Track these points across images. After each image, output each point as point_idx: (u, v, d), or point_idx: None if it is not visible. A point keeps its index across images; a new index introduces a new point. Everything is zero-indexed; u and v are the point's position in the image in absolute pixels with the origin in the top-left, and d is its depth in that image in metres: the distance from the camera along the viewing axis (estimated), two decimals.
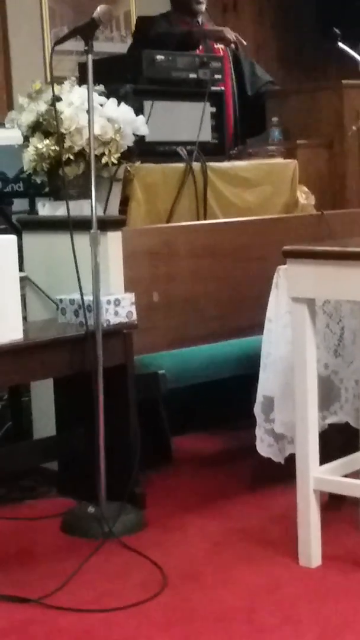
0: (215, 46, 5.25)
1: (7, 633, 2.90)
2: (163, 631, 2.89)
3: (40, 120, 4.06)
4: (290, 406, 3.37)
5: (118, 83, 4.29)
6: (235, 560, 3.35)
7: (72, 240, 3.60)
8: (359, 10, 6.96)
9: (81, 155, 4.00)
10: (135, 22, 5.98)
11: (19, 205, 4.64)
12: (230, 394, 4.23)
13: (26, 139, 4.12)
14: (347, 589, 3.10)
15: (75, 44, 3.85)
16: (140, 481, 3.80)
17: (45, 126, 4.05)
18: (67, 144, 3.98)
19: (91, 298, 3.59)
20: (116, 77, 4.33)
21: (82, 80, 4.09)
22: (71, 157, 4.00)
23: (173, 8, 5.34)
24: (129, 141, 4.14)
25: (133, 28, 6.16)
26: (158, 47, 4.60)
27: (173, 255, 4.14)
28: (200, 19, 5.34)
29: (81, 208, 3.94)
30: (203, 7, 5.31)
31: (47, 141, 4.02)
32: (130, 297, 3.77)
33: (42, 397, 4.14)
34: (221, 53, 5.22)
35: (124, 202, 4.23)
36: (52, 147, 3.99)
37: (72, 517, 3.67)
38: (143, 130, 4.21)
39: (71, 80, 4.16)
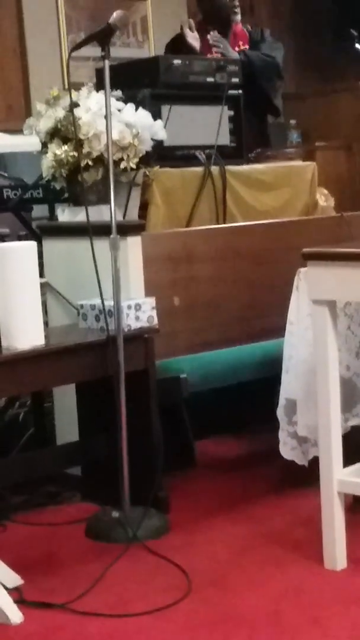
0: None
1: (33, 638, 2.91)
2: (189, 635, 2.88)
3: (59, 126, 4.07)
4: (313, 409, 3.37)
5: (135, 88, 4.29)
6: (260, 563, 3.35)
7: (92, 245, 3.60)
8: None
9: (100, 160, 4.01)
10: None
11: (39, 211, 4.66)
12: (252, 397, 4.23)
13: (44, 145, 4.13)
14: None
15: (92, 50, 3.85)
16: (164, 485, 3.80)
17: (64, 132, 4.05)
18: (85, 149, 3.98)
19: (112, 303, 3.60)
20: (133, 82, 4.34)
21: (99, 86, 4.10)
22: (90, 162, 4.01)
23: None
24: (147, 146, 4.14)
25: (150, 33, 6.17)
26: None
27: (193, 259, 4.14)
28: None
29: (100, 213, 3.95)
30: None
31: (65, 147, 4.03)
32: (151, 301, 3.78)
33: (65, 402, 4.15)
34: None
35: (143, 207, 4.23)
36: (71, 153, 4.00)
37: (96, 522, 3.67)
38: (161, 134, 4.22)
39: (89, 86, 4.17)
